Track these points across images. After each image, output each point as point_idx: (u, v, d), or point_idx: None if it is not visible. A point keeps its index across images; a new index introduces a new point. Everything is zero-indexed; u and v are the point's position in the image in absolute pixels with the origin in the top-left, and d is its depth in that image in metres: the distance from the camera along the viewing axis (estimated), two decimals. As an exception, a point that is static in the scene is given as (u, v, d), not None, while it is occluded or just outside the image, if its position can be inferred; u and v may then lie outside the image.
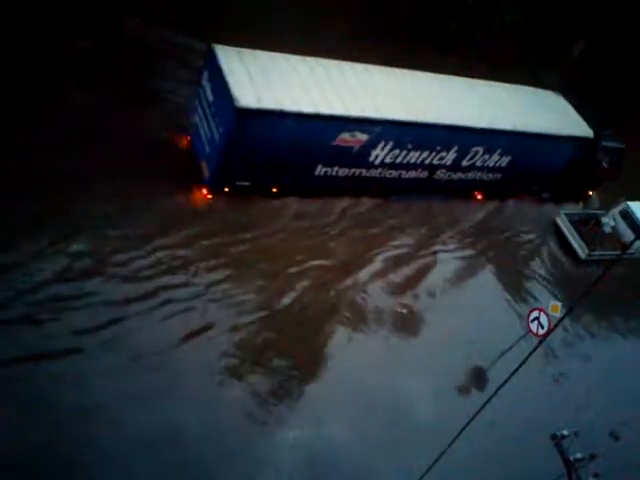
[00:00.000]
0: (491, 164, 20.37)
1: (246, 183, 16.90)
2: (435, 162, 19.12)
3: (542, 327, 15.73)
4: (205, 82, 16.34)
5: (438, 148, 18.66)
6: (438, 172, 19.65)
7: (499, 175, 21.10)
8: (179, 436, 12.08)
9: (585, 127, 21.71)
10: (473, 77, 20.66)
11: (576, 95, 23.55)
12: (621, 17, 28.74)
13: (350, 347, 15.53)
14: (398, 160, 18.34)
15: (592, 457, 10.60)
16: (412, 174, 19.24)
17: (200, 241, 15.76)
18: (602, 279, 7.47)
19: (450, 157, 19.18)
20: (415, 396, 15.09)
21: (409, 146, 18.05)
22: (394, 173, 18.84)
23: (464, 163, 19.70)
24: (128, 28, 19.63)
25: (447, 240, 20.05)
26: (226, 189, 16.83)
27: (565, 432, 10.60)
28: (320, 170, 17.51)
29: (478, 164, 20.05)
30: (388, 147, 17.70)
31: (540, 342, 8.63)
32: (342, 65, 17.71)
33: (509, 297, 19.53)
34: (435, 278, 18.51)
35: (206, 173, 16.45)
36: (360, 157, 17.64)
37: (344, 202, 19.00)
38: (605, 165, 23.10)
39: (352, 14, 24.32)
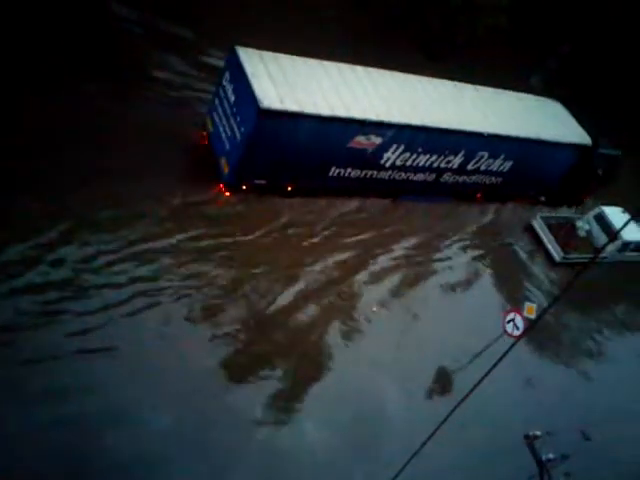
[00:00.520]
0: (494, 168, 21.08)
1: (263, 182, 17.39)
2: (442, 165, 19.76)
3: (517, 328, 15.97)
4: (226, 82, 16.75)
5: (446, 152, 19.31)
6: (445, 175, 20.31)
7: (500, 179, 21.83)
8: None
9: (584, 135, 22.56)
10: (456, 80, 20.81)
11: (560, 98, 24.02)
12: (603, 22, 29.56)
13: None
14: (408, 163, 18.95)
15: (564, 457, 10.90)
16: (420, 177, 19.87)
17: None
18: (573, 284, 7.63)
19: (457, 161, 19.85)
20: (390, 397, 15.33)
21: (419, 150, 18.67)
22: (403, 175, 19.45)
23: (469, 167, 20.38)
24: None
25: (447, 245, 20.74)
26: (244, 187, 17.30)
27: (537, 432, 10.87)
28: (334, 171, 18.05)
29: (482, 168, 20.75)
30: (399, 150, 18.30)
31: (514, 343, 8.43)
32: (357, 69, 18.25)
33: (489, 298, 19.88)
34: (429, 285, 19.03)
35: (225, 170, 16.88)
36: (372, 159, 18.21)
37: (353, 202, 19.55)
38: (600, 172, 23.98)
39: (336, 17, 24.54)
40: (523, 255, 22.30)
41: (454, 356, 16.85)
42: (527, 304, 17.29)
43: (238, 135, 16.20)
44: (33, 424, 11.22)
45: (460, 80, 20.93)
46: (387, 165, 18.67)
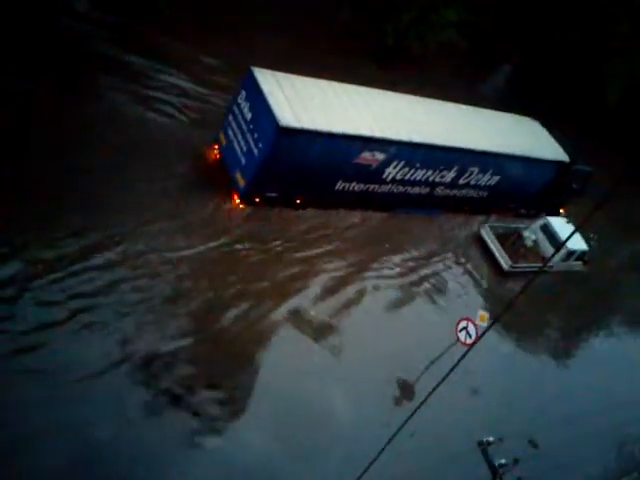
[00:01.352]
0: (482, 183, 22.59)
1: (274, 194, 18.36)
2: (437, 180, 21.13)
3: (470, 336, 16.18)
4: (242, 101, 17.68)
5: (441, 167, 20.70)
6: (438, 189, 21.67)
7: (486, 193, 23.36)
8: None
9: (561, 152, 24.36)
10: (409, 92, 21.32)
11: (508, 109, 25.27)
12: (549, 35, 31.28)
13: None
14: (406, 177, 20.23)
15: (515, 462, 11.26)
16: (416, 190, 21.17)
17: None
18: (522, 292, 8.30)
19: (450, 175, 21.25)
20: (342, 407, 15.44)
21: (417, 165, 19.98)
22: (401, 189, 20.71)
23: (461, 181, 21.82)
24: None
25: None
26: (257, 199, 18.23)
27: (491, 438, 11.01)
28: (340, 185, 19.17)
29: (472, 182, 22.23)
30: (400, 165, 19.56)
31: (467, 350, 8.77)
32: (362, 90, 19.53)
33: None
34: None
35: (241, 183, 17.77)
36: (375, 174, 19.41)
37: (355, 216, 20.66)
38: (575, 186, 25.82)
39: (288, 29, 24.56)
40: (472, 264, 22.48)
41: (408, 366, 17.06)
42: (479, 312, 17.50)
43: (255, 151, 17.14)
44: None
45: (414, 90, 21.50)
46: (388, 179, 19.91)
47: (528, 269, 22.47)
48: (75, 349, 13.02)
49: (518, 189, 24.14)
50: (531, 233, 23.44)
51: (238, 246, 17.12)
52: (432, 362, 16.89)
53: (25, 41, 17.60)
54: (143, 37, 20.55)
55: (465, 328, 16.40)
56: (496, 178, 22.69)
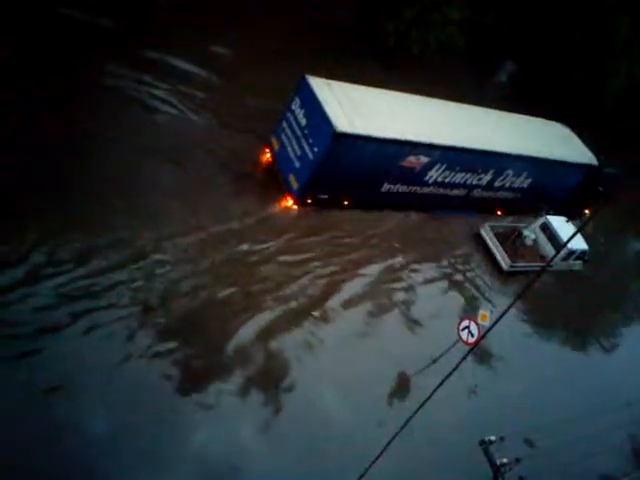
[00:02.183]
0: (516, 185, 23.59)
1: (325, 196, 19.43)
2: (474, 182, 22.15)
3: (472, 335, 16.14)
4: (296, 108, 18.75)
5: (479, 170, 21.72)
6: (474, 191, 22.68)
7: (519, 195, 24.34)
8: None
9: (591, 155, 25.30)
10: (412, 91, 21.43)
11: (512, 107, 25.32)
12: (548, 36, 31.08)
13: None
14: (446, 180, 21.26)
15: (517, 461, 11.09)
16: (454, 192, 22.19)
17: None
18: (524, 292, 8.57)
19: (487, 178, 22.27)
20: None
21: (457, 168, 21.01)
22: (441, 191, 21.74)
23: (496, 184, 22.83)
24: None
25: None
26: (308, 200, 19.29)
27: (492, 437, 10.94)
28: (385, 187, 20.21)
29: (507, 185, 23.24)
30: (442, 168, 20.59)
31: (470, 350, 8.86)
32: (406, 96, 20.61)
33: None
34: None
35: (295, 186, 18.84)
36: (418, 176, 20.45)
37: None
38: (601, 189, 26.76)
39: (288, 29, 24.84)
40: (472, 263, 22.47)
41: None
42: (481, 312, 17.48)
43: (310, 155, 18.21)
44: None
45: (415, 89, 21.64)
46: (430, 182, 20.93)
47: (527, 268, 22.48)
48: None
49: (549, 191, 25.07)
50: (531, 232, 23.32)
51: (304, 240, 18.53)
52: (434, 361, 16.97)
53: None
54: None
55: (467, 327, 16.37)
56: (529, 180, 23.67)
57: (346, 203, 20.17)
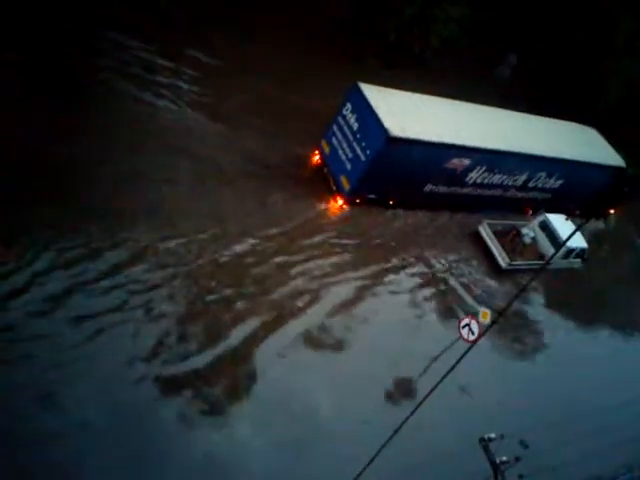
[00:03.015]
0: (547, 186, 24.63)
1: (373, 196, 20.52)
2: (510, 183, 23.21)
3: (472, 333, 16.20)
4: (347, 112, 19.82)
5: (515, 172, 22.77)
6: (509, 191, 23.73)
7: (549, 195, 25.38)
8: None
9: (618, 157, 26.32)
10: (412, 88, 21.52)
11: (510, 106, 24.94)
12: (550, 34, 31.10)
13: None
14: (485, 181, 22.32)
15: (517, 459, 11.04)
16: (490, 192, 23.24)
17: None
18: (523, 290, 9.14)
19: (521, 179, 23.32)
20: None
21: (496, 170, 22.07)
22: (479, 191, 22.79)
23: (530, 184, 23.88)
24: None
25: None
26: (357, 200, 20.36)
27: (492, 435, 10.90)
28: (428, 187, 21.28)
29: (539, 186, 24.28)
30: (481, 170, 21.65)
31: (470, 347, 9.08)
32: (449, 102, 21.67)
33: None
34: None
35: (346, 186, 19.92)
36: (459, 178, 21.50)
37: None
38: (626, 189, 27.79)
39: (289, 29, 25.05)
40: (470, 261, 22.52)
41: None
42: (481, 309, 17.57)
43: (362, 157, 19.27)
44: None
45: (416, 88, 21.84)
46: (469, 183, 21.99)
47: (526, 267, 22.50)
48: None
49: (578, 192, 26.10)
50: (530, 230, 23.24)
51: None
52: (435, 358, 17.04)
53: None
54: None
55: (468, 325, 16.45)
56: (560, 182, 24.71)
57: (391, 203, 21.25)
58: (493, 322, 13.33)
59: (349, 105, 19.83)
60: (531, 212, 25.96)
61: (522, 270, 22.53)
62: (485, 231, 22.90)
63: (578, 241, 22.86)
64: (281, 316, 16.38)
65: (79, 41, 19.51)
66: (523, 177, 23.31)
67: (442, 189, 21.73)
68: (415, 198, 21.55)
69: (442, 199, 22.16)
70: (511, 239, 22.90)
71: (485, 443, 10.98)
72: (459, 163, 20.80)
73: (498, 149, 21.08)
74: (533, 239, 23.14)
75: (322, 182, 20.67)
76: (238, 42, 23.20)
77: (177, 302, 15.18)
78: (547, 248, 22.83)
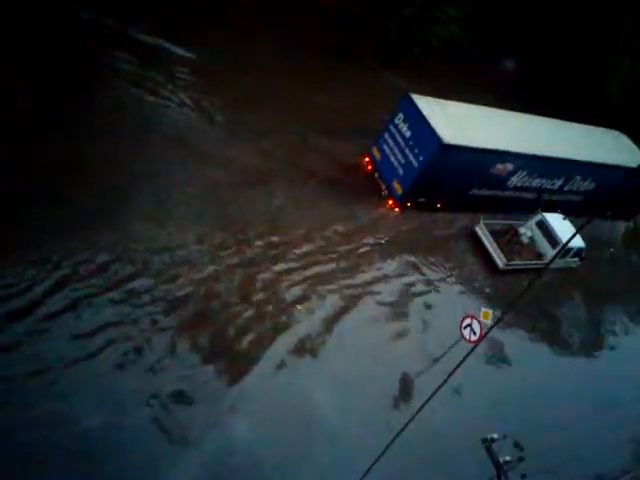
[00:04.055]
0: (582, 189, 25.86)
1: (423, 199, 21.80)
2: (547, 187, 24.45)
3: (474, 333, 15.99)
4: (399, 121, 21.15)
5: (552, 176, 24.01)
6: (545, 194, 24.97)
7: (582, 197, 26.60)
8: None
9: (647, 161, 27.57)
10: (413, 89, 21.76)
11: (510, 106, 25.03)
12: (550, 34, 31.33)
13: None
14: (525, 184, 23.57)
15: (520, 459, 10.96)
16: (528, 195, 24.48)
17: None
18: (527, 290, 8.40)
19: (558, 183, 24.57)
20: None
21: (535, 174, 23.32)
22: (518, 194, 24.04)
23: (565, 188, 25.12)
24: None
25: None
26: (408, 204, 21.65)
27: (495, 435, 10.76)
28: (473, 191, 22.55)
29: (574, 189, 25.52)
30: (523, 174, 22.92)
31: (473, 348, 8.87)
32: (494, 110, 23.06)
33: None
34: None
35: (399, 191, 21.23)
36: (502, 182, 22.77)
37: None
38: None
39: (289, 29, 25.71)
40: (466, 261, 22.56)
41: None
42: (483, 309, 17.44)
43: (415, 163, 20.58)
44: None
45: (418, 87, 22.39)
46: (511, 186, 23.25)
47: (524, 266, 22.40)
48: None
49: (609, 194, 27.29)
50: (527, 230, 23.10)
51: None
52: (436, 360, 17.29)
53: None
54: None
55: (469, 325, 16.23)
56: (593, 185, 25.94)
57: (439, 206, 22.53)
58: (495, 323, 13.53)
59: (401, 115, 21.15)
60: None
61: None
62: (482, 231, 22.84)
63: (576, 240, 22.28)
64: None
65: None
66: (560, 181, 24.55)
67: (485, 192, 23.00)
68: (460, 201, 22.82)
69: (484, 202, 23.41)
70: (508, 239, 22.88)
71: (488, 443, 10.79)
72: (503, 168, 22.07)
73: (539, 154, 22.32)
74: (531, 239, 23.09)
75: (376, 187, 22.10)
76: (237, 42, 23.87)
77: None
78: (545, 247, 22.81)
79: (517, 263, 22.31)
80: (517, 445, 11.53)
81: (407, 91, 21.25)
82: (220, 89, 22.22)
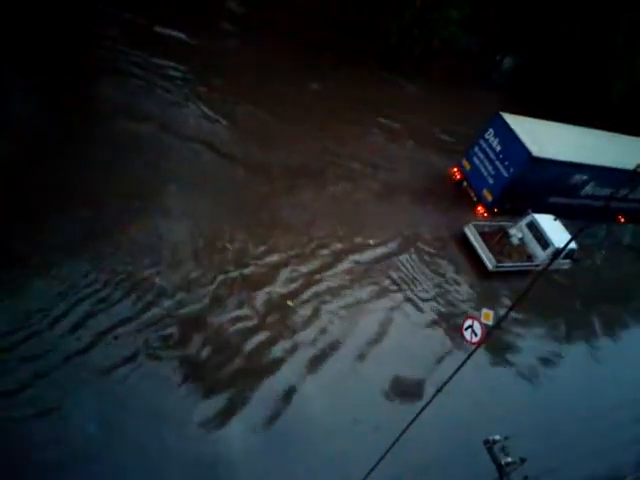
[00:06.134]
0: (640, 197, 28.41)
1: (508, 206, 24.44)
2: (615, 195, 26.97)
3: (476, 335, 16.07)
4: (490, 136, 23.88)
5: (619, 185, 26.49)
6: (612, 203, 27.50)
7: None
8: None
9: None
10: (413, 90, 23.94)
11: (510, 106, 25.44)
12: (549, 34, 31.42)
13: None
14: (595, 193, 26.15)
15: (522, 461, 10.79)
16: (596, 203, 27.02)
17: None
18: (527, 291, 8.63)
19: (623, 192, 27.09)
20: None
21: (605, 184, 25.89)
22: (587, 202, 26.60)
23: (630, 196, 27.62)
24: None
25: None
26: (496, 210, 24.31)
27: (497, 437, 10.67)
28: (551, 199, 25.17)
29: (636, 197, 28.03)
30: (594, 184, 25.52)
31: (474, 349, 9.01)
32: (569, 126, 25.63)
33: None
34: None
35: (489, 198, 23.91)
36: (576, 190, 25.38)
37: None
38: None
39: (288, 30, 26.26)
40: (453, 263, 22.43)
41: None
42: (484, 311, 17.76)
43: (505, 173, 23.29)
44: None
45: (418, 88, 24.46)
46: (582, 195, 25.85)
47: (514, 268, 22.34)
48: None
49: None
50: (517, 231, 22.95)
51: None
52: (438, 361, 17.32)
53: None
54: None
55: (471, 327, 16.24)
56: (653, 193, 28.48)
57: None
58: (496, 324, 13.97)
59: (491, 130, 23.89)
60: (623, 220, 29.75)
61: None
62: (471, 232, 22.61)
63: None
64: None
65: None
66: (625, 190, 27.09)
67: (560, 200, 25.61)
68: (540, 208, 25.39)
69: (560, 208, 25.96)
70: (498, 240, 22.66)
71: (490, 445, 10.73)
72: (579, 178, 24.72)
73: (611, 166, 24.93)
74: (521, 240, 22.86)
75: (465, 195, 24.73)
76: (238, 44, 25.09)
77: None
78: (535, 249, 22.70)
79: (507, 265, 22.19)
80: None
81: (497, 110, 23.94)
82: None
